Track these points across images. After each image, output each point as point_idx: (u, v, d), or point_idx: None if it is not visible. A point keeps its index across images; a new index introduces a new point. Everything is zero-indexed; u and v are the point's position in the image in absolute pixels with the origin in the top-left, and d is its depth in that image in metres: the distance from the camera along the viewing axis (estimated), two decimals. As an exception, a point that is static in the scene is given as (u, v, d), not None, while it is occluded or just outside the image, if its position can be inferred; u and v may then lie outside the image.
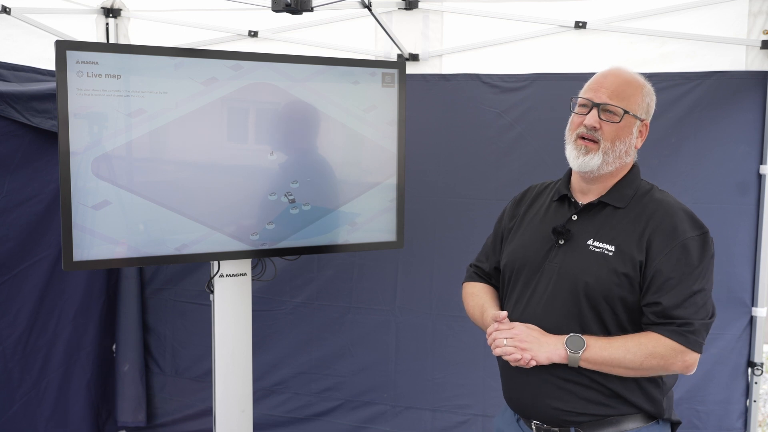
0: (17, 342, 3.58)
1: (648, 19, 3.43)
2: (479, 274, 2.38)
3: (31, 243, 3.55)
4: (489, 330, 2.10)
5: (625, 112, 2.02)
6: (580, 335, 1.96)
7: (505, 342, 2.02)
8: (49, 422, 3.78)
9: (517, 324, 2.05)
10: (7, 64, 3.48)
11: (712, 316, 1.96)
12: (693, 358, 1.92)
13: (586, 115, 2.05)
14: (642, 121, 2.08)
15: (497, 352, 2.04)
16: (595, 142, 2.03)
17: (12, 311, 3.55)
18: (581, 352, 1.93)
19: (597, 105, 2.03)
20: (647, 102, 2.09)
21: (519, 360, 1.98)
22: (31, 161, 3.46)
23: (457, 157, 3.72)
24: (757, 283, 3.38)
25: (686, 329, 1.90)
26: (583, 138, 2.05)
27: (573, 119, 2.11)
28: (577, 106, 2.10)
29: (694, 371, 1.97)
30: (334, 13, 3.60)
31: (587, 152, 2.04)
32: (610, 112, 2.03)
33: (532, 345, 1.98)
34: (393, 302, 3.88)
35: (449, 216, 3.75)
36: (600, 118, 2.03)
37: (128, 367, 4.14)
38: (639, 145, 2.10)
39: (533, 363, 1.97)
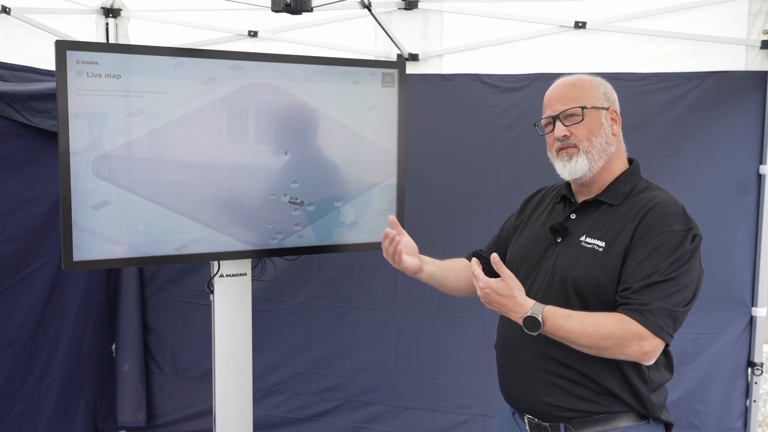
0: (24, 344, 3.59)
1: (648, 19, 3.43)
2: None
3: (38, 243, 3.56)
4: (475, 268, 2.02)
5: (583, 108, 2.07)
6: (538, 317, 1.89)
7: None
8: (50, 422, 3.78)
9: (509, 278, 1.95)
10: (5, 64, 3.48)
11: (685, 306, 1.91)
12: (652, 344, 1.87)
13: (553, 130, 2.11)
14: (607, 108, 2.10)
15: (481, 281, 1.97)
16: (575, 146, 2.07)
17: (22, 313, 3.56)
18: (535, 334, 1.90)
19: (557, 116, 2.09)
20: (602, 91, 2.13)
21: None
22: (34, 161, 3.46)
23: (457, 157, 3.72)
24: (757, 283, 3.38)
25: (645, 308, 1.86)
26: (562, 149, 2.10)
27: (547, 140, 2.17)
28: (543, 128, 2.17)
29: (653, 360, 1.91)
30: (334, 13, 3.60)
31: (571, 158, 2.08)
32: (571, 115, 2.08)
33: (503, 302, 1.94)
34: (393, 302, 3.88)
35: (449, 216, 3.75)
36: (566, 126, 2.08)
37: (128, 366, 4.14)
38: (617, 132, 2.13)
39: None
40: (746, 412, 3.45)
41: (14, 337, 3.53)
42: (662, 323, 1.87)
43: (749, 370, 3.42)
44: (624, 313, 1.89)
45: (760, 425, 3.68)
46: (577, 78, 2.15)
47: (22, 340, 3.57)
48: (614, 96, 2.15)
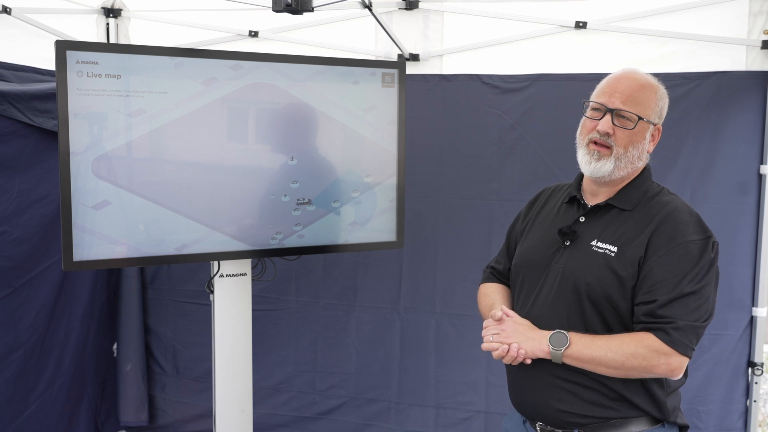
0: (35, 345, 3.60)
1: (648, 19, 3.43)
2: (495, 274, 2.39)
3: (46, 243, 3.56)
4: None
5: (639, 118, 2.00)
6: (565, 332, 1.95)
7: (491, 338, 2.04)
8: (59, 422, 3.79)
9: (507, 320, 2.07)
10: (7, 64, 3.48)
11: (707, 320, 1.92)
12: (678, 361, 1.89)
13: (599, 120, 2.03)
14: (655, 125, 2.06)
15: (483, 347, 2.07)
16: (608, 147, 2.01)
17: (31, 314, 3.56)
18: (563, 349, 1.94)
19: (611, 110, 2.01)
20: (661, 106, 2.07)
21: (505, 354, 2.00)
22: (39, 161, 3.46)
23: (458, 158, 3.72)
24: (757, 283, 3.38)
25: (671, 327, 1.87)
26: (595, 143, 2.03)
27: (585, 123, 2.09)
28: (589, 109, 2.08)
29: (680, 375, 1.93)
30: (335, 13, 3.60)
31: (600, 158, 2.02)
32: (624, 117, 2.01)
33: (518, 339, 2.00)
34: (397, 301, 3.89)
35: (451, 216, 3.76)
36: (613, 124, 2.00)
37: (131, 366, 4.14)
38: (651, 150, 2.09)
39: (522, 353, 1.98)
40: (746, 412, 3.45)
41: (25, 338, 3.54)
42: (687, 341, 1.88)
43: (749, 370, 3.42)
44: (645, 331, 1.89)
45: (760, 425, 3.67)
46: (649, 81, 2.07)
47: (33, 341, 3.58)
48: (665, 113, 2.10)
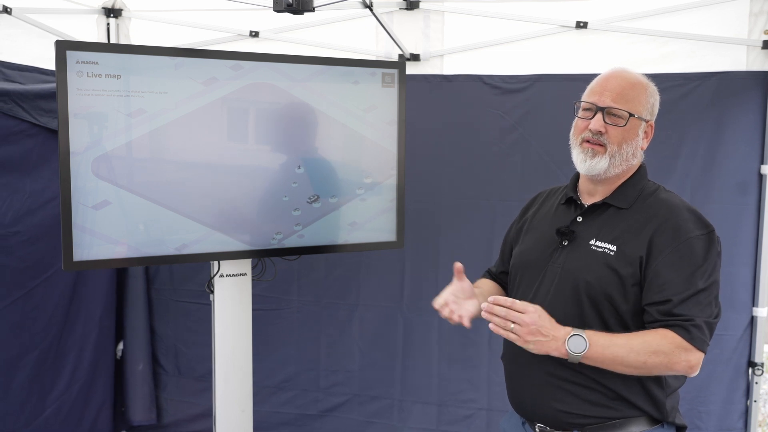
0: (49, 347, 3.59)
1: (649, 19, 3.43)
2: (488, 273, 2.43)
3: (59, 244, 3.55)
4: (501, 304, 1.92)
5: (630, 114, 2.01)
6: (583, 335, 1.88)
7: (512, 326, 1.89)
8: (78, 425, 3.80)
9: (530, 309, 1.90)
10: (12, 64, 3.48)
11: (717, 316, 1.94)
12: (697, 358, 1.89)
13: (590, 119, 2.04)
14: (647, 122, 2.07)
15: (493, 329, 1.92)
16: (602, 145, 2.02)
17: (46, 315, 3.56)
18: (582, 353, 1.88)
19: (602, 109, 2.02)
20: (651, 102, 2.07)
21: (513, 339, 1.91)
22: (48, 161, 3.44)
23: (459, 158, 3.72)
24: (758, 283, 3.38)
25: (690, 324, 1.87)
26: (588, 142, 2.04)
27: (577, 123, 2.10)
28: (580, 110, 2.09)
29: (697, 372, 1.94)
30: (336, 13, 3.60)
31: (594, 155, 2.03)
32: (615, 115, 2.02)
33: (536, 338, 1.88)
34: (400, 300, 3.90)
35: (452, 216, 3.76)
36: (605, 122, 2.01)
37: (142, 366, 4.13)
38: (645, 146, 2.09)
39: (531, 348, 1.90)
40: (747, 412, 3.45)
41: (39, 339, 3.54)
42: (704, 337, 1.89)
43: (750, 370, 3.42)
44: (667, 329, 1.89)
45: (760, 425, 3.67)
46: (638, 79, 2.07)
47: (47, 342, 3.58)
48: (657, 109, 2.10)
